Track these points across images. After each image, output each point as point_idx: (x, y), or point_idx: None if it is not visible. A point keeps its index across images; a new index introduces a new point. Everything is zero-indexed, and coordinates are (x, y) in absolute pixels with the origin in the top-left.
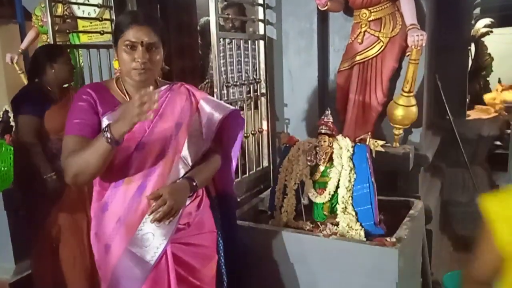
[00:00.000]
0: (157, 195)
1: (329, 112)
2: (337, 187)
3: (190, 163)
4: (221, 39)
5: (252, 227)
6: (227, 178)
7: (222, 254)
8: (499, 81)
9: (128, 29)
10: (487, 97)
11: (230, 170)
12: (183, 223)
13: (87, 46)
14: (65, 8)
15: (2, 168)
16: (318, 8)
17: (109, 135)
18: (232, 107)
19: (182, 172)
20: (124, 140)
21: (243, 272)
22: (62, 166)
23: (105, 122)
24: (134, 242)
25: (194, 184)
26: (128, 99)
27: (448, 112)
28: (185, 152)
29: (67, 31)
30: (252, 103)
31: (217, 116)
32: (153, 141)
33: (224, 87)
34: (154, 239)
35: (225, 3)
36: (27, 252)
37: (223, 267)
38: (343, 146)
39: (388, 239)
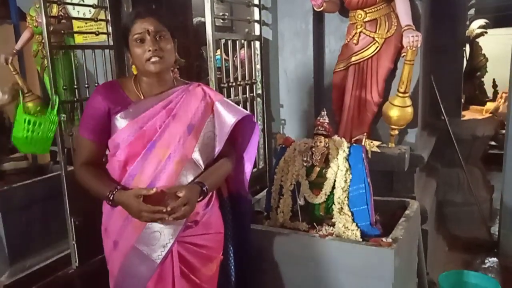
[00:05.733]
0: (175, 192)
1: (325, 112)
2: (333, 187)
3: (202, 166)
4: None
5: None
6: (241, 180)
7: (231, 255)
8: (495, 84)
9: (133, 24)
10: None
11: (244, 173)
12: (190, 221)
13: (82, 47)
14: (60, 9)
15: None
16: (313, 9)
17: (111, 198)
18: (246, 112)
19: (193, 173)
20: (135, 139)
21: (253, 273)
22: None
23: (117, 119)
24: (141, 240)
25: (205, 189)
26: (143, 97)
27: (443, 112)
28: (196, 154)
29: (62, 31)
30: (248, 104)
31: (230, 119)
32: (164, 141)
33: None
34: (161, 238)
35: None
36: (22, 253)
37: (232, 268)
38: (339, 147)
39: (384, 239)
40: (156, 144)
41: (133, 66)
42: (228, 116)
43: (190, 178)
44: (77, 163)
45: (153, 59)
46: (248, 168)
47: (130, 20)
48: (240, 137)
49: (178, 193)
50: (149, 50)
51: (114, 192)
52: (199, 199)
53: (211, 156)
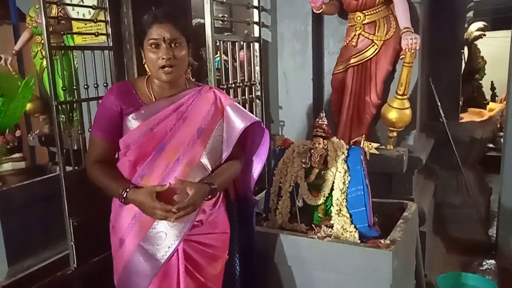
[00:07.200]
0: (185, 187)
1: (324, 114)
2: (332, 189)
3: (210, 169)
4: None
5: None
6: (248, 183)
7: (237, 255)
8: (493, 86)
9: (150, 28)
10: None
11: (252, 175)
12: (197, 220)
13: (81, 48)
14: (60, 10)
15: None
16: (313, 11)
17: (124, 196)
18: (255, 118)
19: (200, 176)
20: (145, 140)
21: (256, 274)
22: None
23: (129, 120)
24: (147, 239)
25: (213, 187)
26: (154, 99)
27: (442, 114)
28: (204, 157)
29: (62, 32)
30: (247, 105)
31: (239, 124)
32: (174, 144)
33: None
34: (166, 238)
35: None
36: (21, 254)
37: (238, 268)
38: (337, 149)
39: (382, 241)
40: (166, 146)
41: (147, 65)
42: (237, 122)
43: (197, 180)
44: (89, 162)
45: (165, 69)
46: (256, 172)
47: (147, 23)
48: (249, 140)
49: (188, 190)
50: (163, 58)
51: (127, 190)
52: (207, 199)
53: (219, 160)
